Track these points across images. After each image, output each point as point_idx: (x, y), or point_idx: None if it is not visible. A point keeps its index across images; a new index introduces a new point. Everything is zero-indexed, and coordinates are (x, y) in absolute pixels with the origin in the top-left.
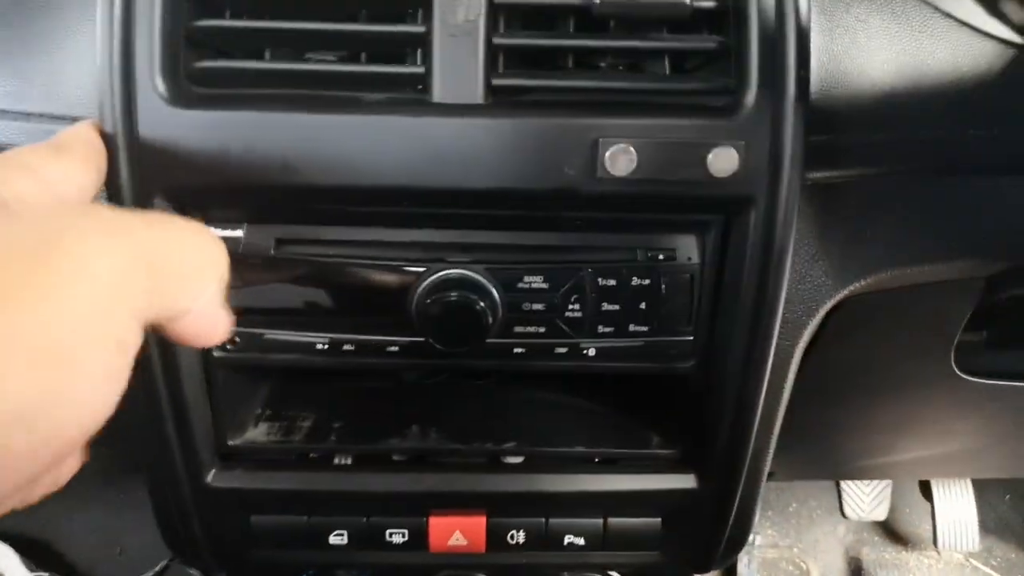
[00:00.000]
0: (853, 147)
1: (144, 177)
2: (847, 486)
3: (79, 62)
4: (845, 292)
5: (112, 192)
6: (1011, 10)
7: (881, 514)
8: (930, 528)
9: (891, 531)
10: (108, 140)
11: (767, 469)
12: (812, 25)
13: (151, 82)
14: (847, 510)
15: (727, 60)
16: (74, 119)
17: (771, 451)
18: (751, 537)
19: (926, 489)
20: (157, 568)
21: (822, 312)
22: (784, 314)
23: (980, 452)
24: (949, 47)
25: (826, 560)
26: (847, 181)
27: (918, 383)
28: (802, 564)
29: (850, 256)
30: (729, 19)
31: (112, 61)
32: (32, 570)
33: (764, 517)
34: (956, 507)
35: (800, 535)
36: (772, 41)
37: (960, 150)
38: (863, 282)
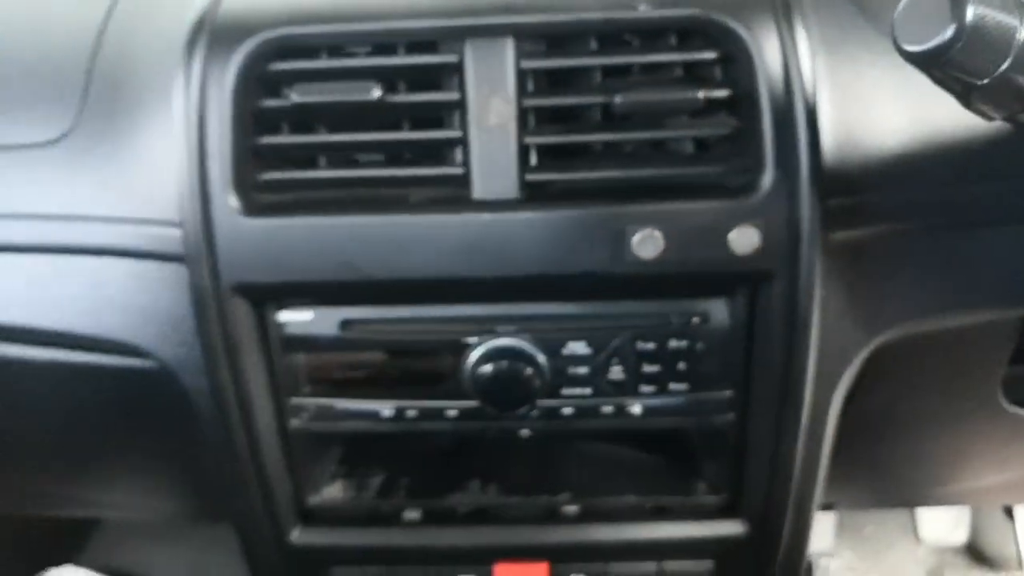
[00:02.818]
0: (873, 207)
1: (221, 277)
2: (922, 510)
3: (165, 171)
4: (876, 343)
5: (193, 290)
6: (982, 113)
7: (960, 538)
8: (1015, 550)
9: (975, 552)
10: (189, 245)
11: (814, 510)
12: (827, 98)
13: (224, 197)
14: (923, 534)
15: (745, 139)
16: (163, 223)
17: (817, 493)
18: (826, 562)
19: (1008, 509)
20: None
21: (857, 361)
22: (818, 367)
23: None
24: (958, 107)
25: None
26: (870, 239)
27: (966, 418)
28: None
29: (878, 309)
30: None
31: (191, 180)
32: None
33: (840, 540)
34: None
35: (878, 559)
36: (783, 124)
37: (975, 204)
38: (892, 332)
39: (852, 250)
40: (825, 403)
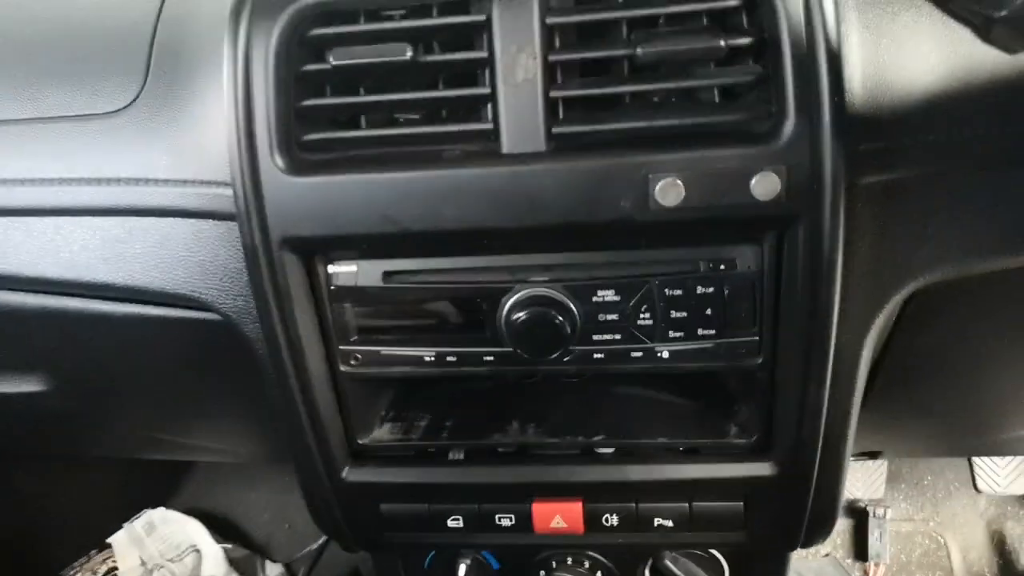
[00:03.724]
0: (905, 150)
1: (270, 232)
2: (979, 460)
3: (219, 135)
4: (911, 287)
5: (244, 245)
6: (1003, 45)
7: (1019, 488)
8: None
9: None
10: (239, 204)
11: (848, 454)
12: (857, 41)
13: (270, 157)
14: (980, 484)
15: (770, 86)
16: (219, 183)
17: (850, 437)
18: (882, 511)
19: None
20: (321, 541)
21: (890, 305)
22: (849, 309)
23: None
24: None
25: (965, 534)
26: (903, 182)
27: (1017, 364)
28: (939, 538)
29: (912, 253)
30: (768, 50)
31: (239, 142)
32: (219, 541)
33: (896, 490)
34: None
35: (936, 509)
36: (805, 70)
37: (1011, 143)
38: (928, 277)
39: (884, 193)
40: (856, 346)
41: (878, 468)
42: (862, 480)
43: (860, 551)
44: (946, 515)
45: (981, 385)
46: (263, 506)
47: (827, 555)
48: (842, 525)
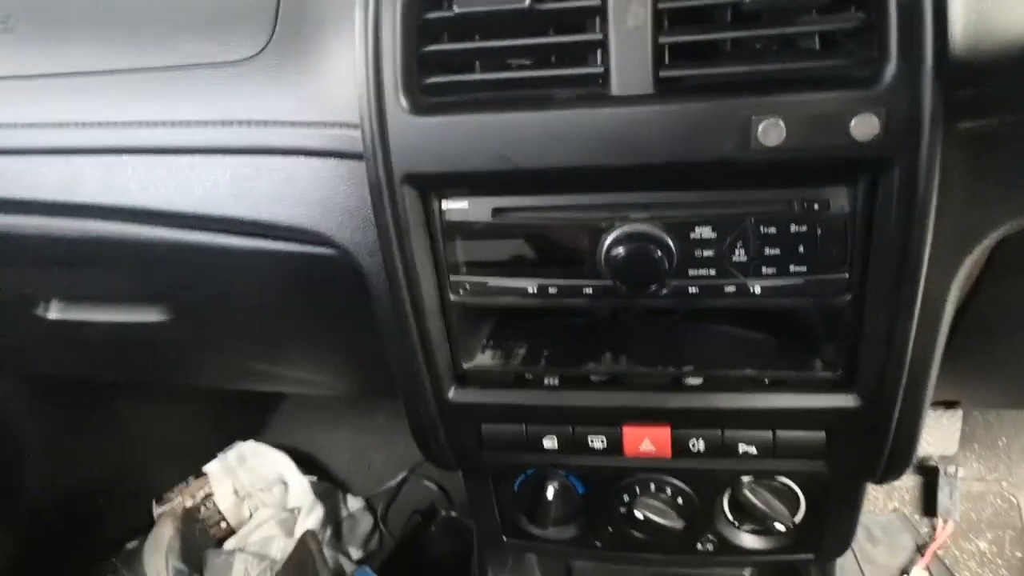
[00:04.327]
0: (1004, 96)
1: (393, 169)
2: None
3: (343, 81)
4: (1000, 232)
5: (370, 181)
6: None
7: None
8: None
9: None
10: (366, 142)
11: (928, 395)
12: None
13: (396, 98)
14: None
15: (872, 33)
16: (343, 125)
17: (931, 379)
18: (953, 469)
19: None
20: (398, 479)
21: (979, 250)
22: (937, 252)
23: None
24: None
25: None
26: (1000, 128)
27: None
28: (1012, 498)
29: (1005, 199)
30: None
31: (368, 84)
32: (303, 475)
33: (969, 450)
34: None
35: (1011, 469)
36: (909, 16)
37: None
38: (1016, 224)
39: (980, 139)
40: (943, 289)
41: (953, 424)
42: (935, 437)
43: (929, 508)
44: (1020, 476)
45: None
46: (344, 445)
47: (895, 510)
48: (912, 481)
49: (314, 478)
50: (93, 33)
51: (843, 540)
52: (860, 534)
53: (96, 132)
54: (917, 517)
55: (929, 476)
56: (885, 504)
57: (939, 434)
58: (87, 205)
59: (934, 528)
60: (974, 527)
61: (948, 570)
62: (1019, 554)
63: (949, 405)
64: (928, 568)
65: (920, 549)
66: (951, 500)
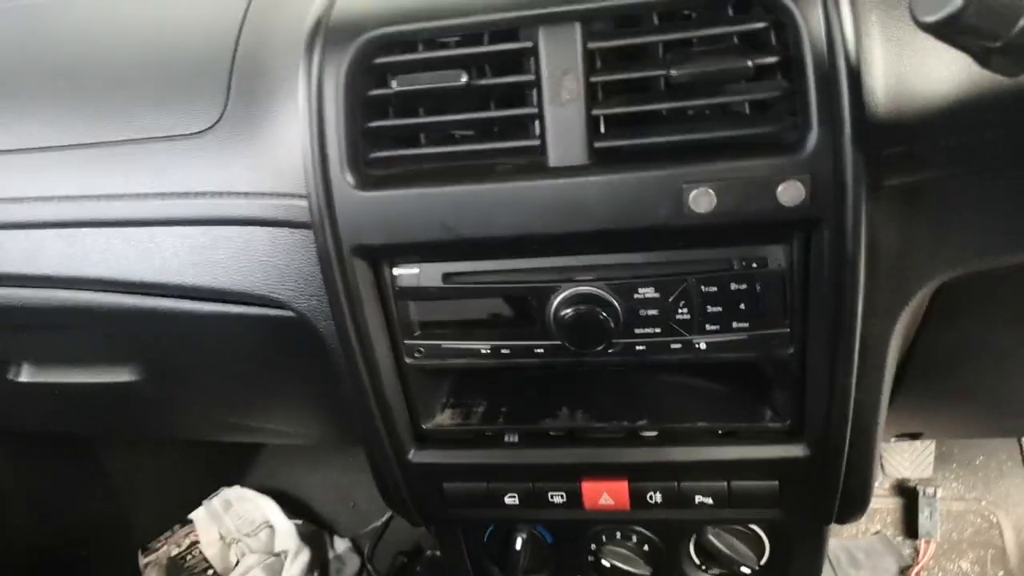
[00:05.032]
0: (928, 153)
1: (342, 240)
2: None
3: (293, 152)
4: (936, 282)
5: (319, 252)
6: (1001, 71)
7: None
8: None
9: None
10: (314, 216)
11: (878, 437)
12: (880, 54)
13: (341, 174)
14: None
15: (796, 100)
16: (293, 195)
17: (880, 421)
18: (932, 490)
19: None
20: (384, 519)
21: (917, 298)
22: (876, 303)
23: None
24: None
25: (1019, 513)
26: (926, 183)
27: None
28: (992, 517)
29: (937, 250)
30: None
31: (314, 160)
32: (290, 518)
33: (947, 470)
34: None
35: (988, 488)
36: (827, 85)
37: None
38: (951, 272)
39: (907, 194)
40: (884, 337)
41: (926, 448)
42: (910, 460)
43: (911, 529)
44: (999, 494)
45: (1015, 371)
46: (328, 486)
47: (877, 533)
48: (892, 504)
49: (300, 521)
50: (52, 107)
51: None
52: (843, 558)
53: (56, 206)
54: (899, 539)
55: (909, 498)
56: (867, 527)
57: (914, 458)
58: (50, 276)
59: (916, 550)
60: (955, 547)
61: None
62: (1001, 573)
63: (913, 437)
64: None
65: (903, 572)
66: (931, 521)
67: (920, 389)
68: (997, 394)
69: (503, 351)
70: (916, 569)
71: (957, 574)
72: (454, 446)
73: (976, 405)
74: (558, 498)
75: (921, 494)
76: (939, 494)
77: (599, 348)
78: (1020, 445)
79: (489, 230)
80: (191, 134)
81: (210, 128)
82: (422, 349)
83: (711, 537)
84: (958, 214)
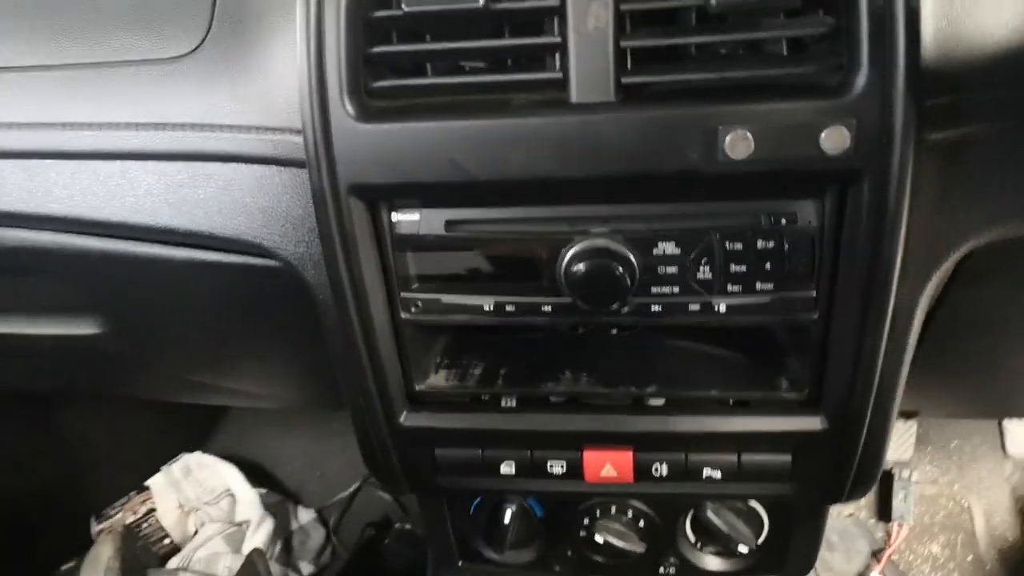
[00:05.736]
0: (974, 106)
1: (338, 179)
2: (1010, 424)
3: (286, 82)
4: (970, 244)
5: (313, 191)
6: None
7: None
8: None
9: None
10: (309, 150)
11: (895, 411)
12: None
13: (341, 102)
14: (1009, 447)
15: (841, 38)
16: (284, 130)
17: (898, 395)
18: (907, 473)
19: None
20: (351, 489)
21: (948, 263)
22: (906, 266)
23: None
24: None
25: (990, 498)
26: (970, 138)
27: None
28: (963, 501)
29: (973, 210)
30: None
31: (311, 87)
32: (253, 487)
33: (922, 453)
34: None
35: (962, 472)
36: (881, 22)
37: None
38: (988, 234)
39: (950, 149)
40: (911, 304)
41: (908, 430)
42: (891, 444)
43: (884, 512)
44: (971, 479)
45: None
46: (295, 454)
47: (850, 515)
48: None
49: (263, 490)
50: (14, 25)
51: (806, 560)
52: None
53: (16, 134)
54: (872, 522)
55: (884, 480)
56: (840, 510)
57: (896, 440)
58: (7, 213)
59: (889, 533)
60: (927, 531)
61: (902, 574)
62: (971, 557)
63: (908, 416)
64: (883, 573)
65: (876, 554)
66: (905, 504)
67: (931, 363)
68: (1005, 370)
69: (507, 308)
70: (888, 552)
71: (927, 557)
72: (448, 409)
73: (982, 382)
74: (557, 468)
75: (897, 476)
76: (914, 477)
77: (612, 307)
78: (1000, 429)
79: (502, 171)
80: (169, 58)
81: (191, 52)
82: (419, 303)
83: (710, 514)
84: (1000, 173)
